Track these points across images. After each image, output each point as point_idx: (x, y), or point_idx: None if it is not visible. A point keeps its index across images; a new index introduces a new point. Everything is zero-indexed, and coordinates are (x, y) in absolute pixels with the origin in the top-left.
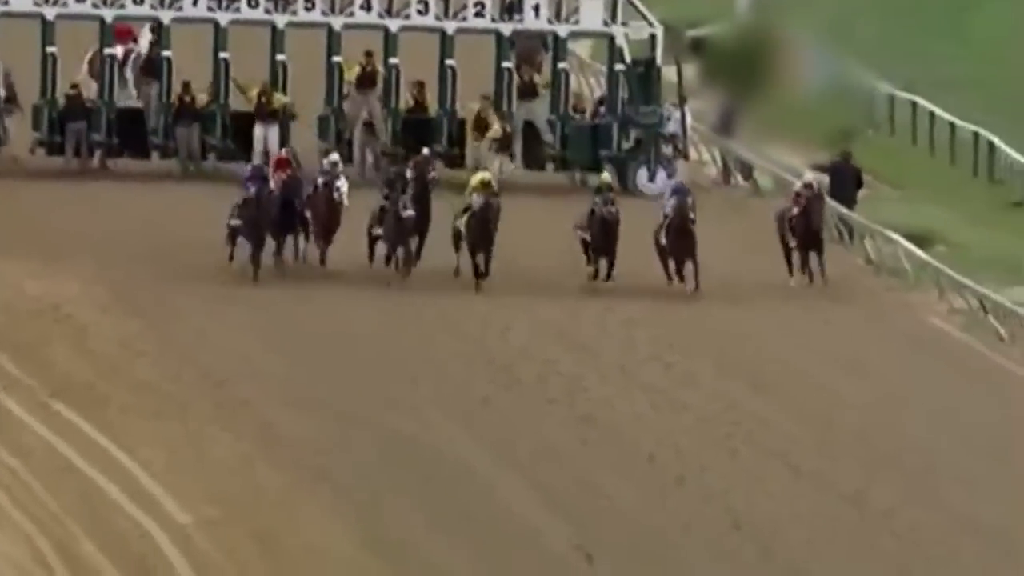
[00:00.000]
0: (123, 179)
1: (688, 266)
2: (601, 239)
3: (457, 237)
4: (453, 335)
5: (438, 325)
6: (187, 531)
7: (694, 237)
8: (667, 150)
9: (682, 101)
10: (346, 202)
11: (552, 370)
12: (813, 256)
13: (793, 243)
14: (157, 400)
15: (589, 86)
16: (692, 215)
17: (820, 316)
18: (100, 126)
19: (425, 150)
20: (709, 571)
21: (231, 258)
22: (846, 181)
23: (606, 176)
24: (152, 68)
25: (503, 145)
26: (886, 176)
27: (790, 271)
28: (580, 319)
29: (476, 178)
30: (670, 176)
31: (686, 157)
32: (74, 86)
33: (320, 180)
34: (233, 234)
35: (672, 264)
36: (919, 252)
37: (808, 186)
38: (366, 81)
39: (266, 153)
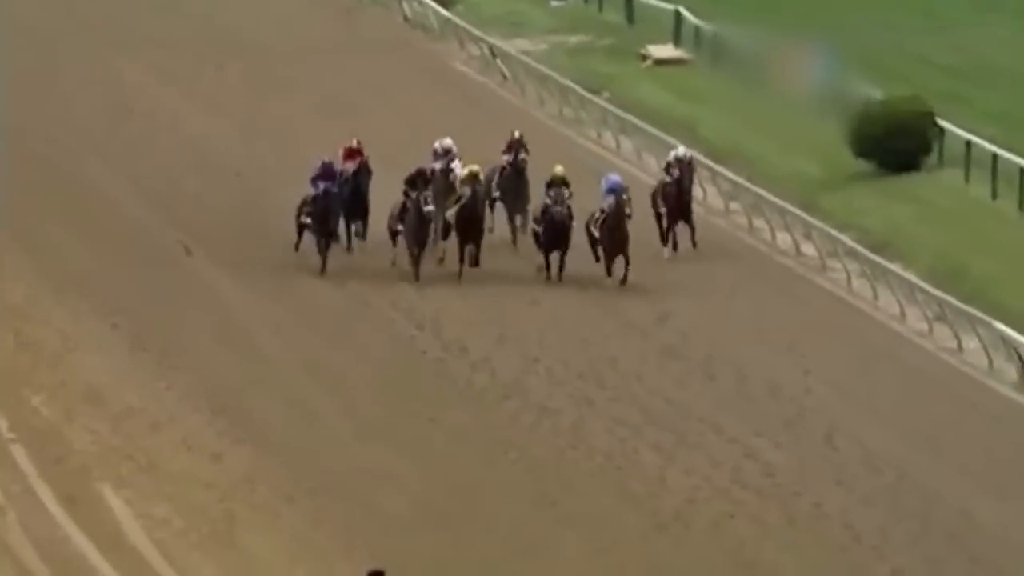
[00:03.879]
0: None
1: (619, 260)
2: (550, 237)
3: (447, 228)
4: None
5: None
6: None
7: (627, 235)
8: None
9: None
10: (481, 176)
11: None
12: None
13: (663, 210)
14: None
15: None
16: (628, 211)
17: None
18: None
19: (517, 132)
20: None
21: (297, 248)
22: None
23: (559, 169)
24: None
25: None
26: None
27: (663, 240)
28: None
29: (465, 170)
30: None
31: None
32: None
33: (437, 165)
34: (302, 229)
35: (603, 258)
36: (443, 10)
37: (680, 159)
38: None
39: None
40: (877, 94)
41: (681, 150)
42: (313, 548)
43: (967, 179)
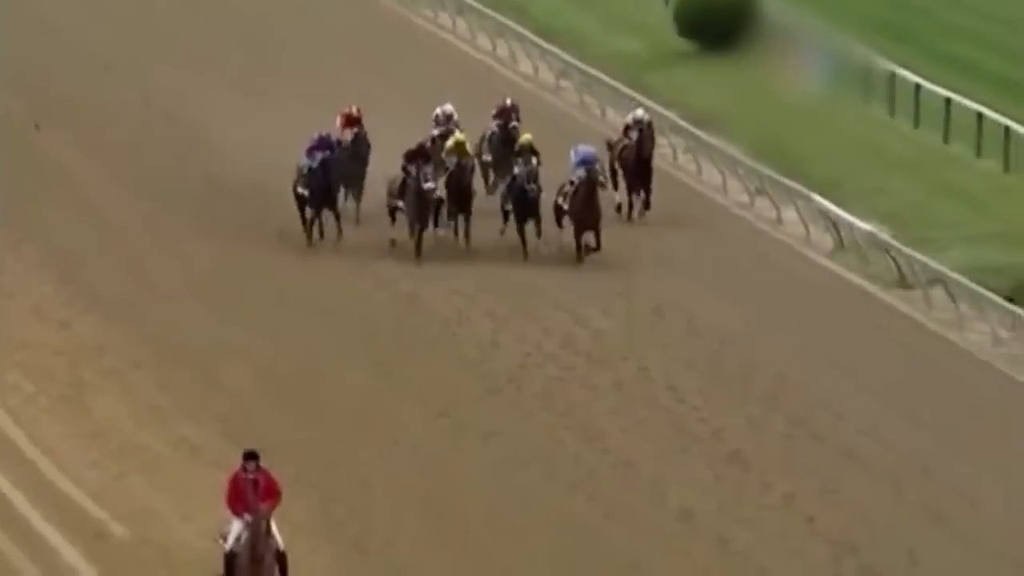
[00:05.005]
0: None
1: (588, 234)
2: (521, 208)
3: (438, 201)
4: None
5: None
6: None
7: (599, 210)
8: None
9: None
10: (470, 147)
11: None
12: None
13: (620, 173)
14: None
15: None
16: (602, 180)
17: None
18: None
19: (508, 99)
20: None
21: (303, 222)
22: None
23: (527, 136)
24: None
25: None
26: None
27: (616, 190)
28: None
29: (451, 140)
30: None
31: None
32: None
33: (435, 131)
34: (302, 202)
35: (573, 230)
36: None
37: (638, 120)
38: None
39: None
40: None
41: (639, 112)
42: (159, 412)
43: (786, 58)
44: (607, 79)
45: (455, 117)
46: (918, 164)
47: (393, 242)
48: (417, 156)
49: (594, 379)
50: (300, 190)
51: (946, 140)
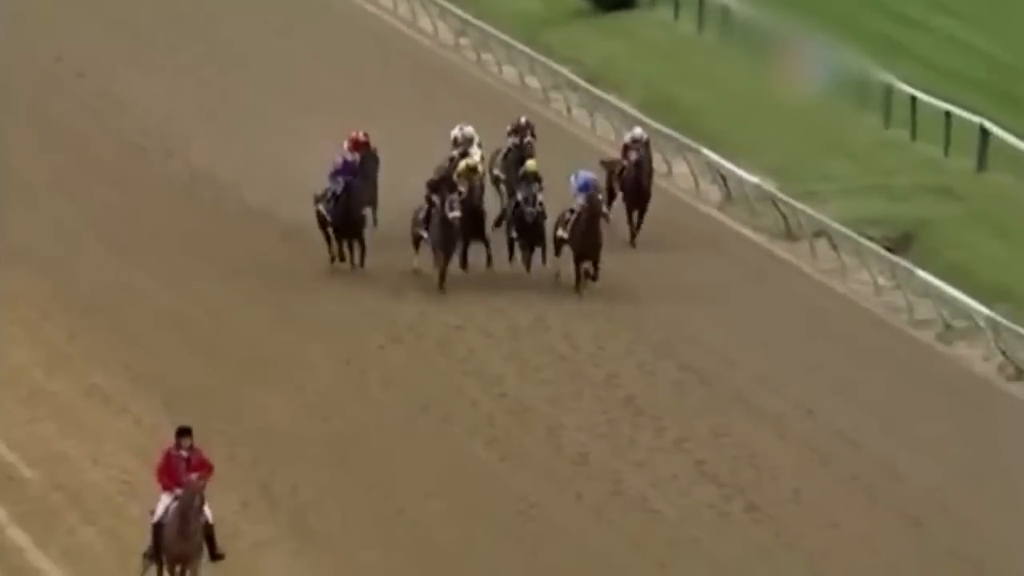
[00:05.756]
0: None
1: (587, 263)
2: (526, 234)
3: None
4: None
5: None
6: None
7: (600, 239)
8: None
9: None
10: (481, 169)
11: None
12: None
13: (620, 194)
14: None
15: None
16: (606, 212)
17: None
18: None
19: (523, 118)
20: None
21: (331, 255)
22: None
23: (532, 164)
24: None
25: None
26: None
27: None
28: None
29: (463, 164)
30: None
31: None
32: None
33: (455, 152)
34: (325, 225)
35: (573, 259)
36: None
37: (637, 140)
38: None
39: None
40: None
41: (638, 131)
42: (69, 360)
43: (676, 16)
44: (504, 36)
45: (476, 139)
46: (804, 120)
47: (416, 271)
48: (441, 185)
49: (491, 327)
50: (324, 213)
51: (831, 97)
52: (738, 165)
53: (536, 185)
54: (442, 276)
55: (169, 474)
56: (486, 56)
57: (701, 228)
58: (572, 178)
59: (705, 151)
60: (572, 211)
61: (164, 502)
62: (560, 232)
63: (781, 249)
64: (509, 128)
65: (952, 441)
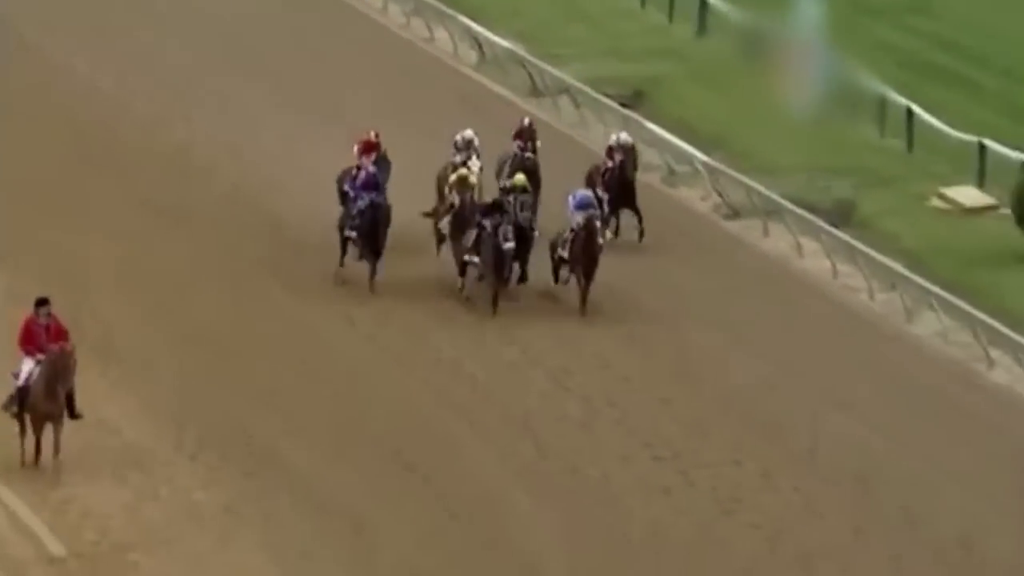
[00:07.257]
0: None
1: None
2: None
3: (440, 238)
4: None
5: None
6: None
7: (597, 259)
8: None
9: None
10: (474, 180)
11: None
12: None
13: (605, 197)
14: None
15: None
16: (601, 241)
17: None
18: None
19: (526, 119)
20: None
21: (341, 264)
22: None
23: (520, 177)
24: None
25: None
26: None
27: (603, 223)
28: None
29: (455, 176)
30: None
31: None
32: None
33: (457, 158)
34: (346, 243)
35: (571, 274)
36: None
37: (622, 144)
38: None
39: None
40: None
41: (623, 135)
42: None
43: None
44: None
45: (476, 143)
46: None
47: (467, 299)
48: (493, 211)
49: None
50: (347, 232)
51: None
52: (492, 31)
53: (525, 199)
54: (494, 302)
55: (31, 341)
56: (415, 21)
57: (459, 86)
58: (569, 198)
59: (462, 18)
60: (571, 230)
61: (26, 367)
62: (559, 252)
63: (530, 104)
64: (513, 134)
65: (679, 273)
